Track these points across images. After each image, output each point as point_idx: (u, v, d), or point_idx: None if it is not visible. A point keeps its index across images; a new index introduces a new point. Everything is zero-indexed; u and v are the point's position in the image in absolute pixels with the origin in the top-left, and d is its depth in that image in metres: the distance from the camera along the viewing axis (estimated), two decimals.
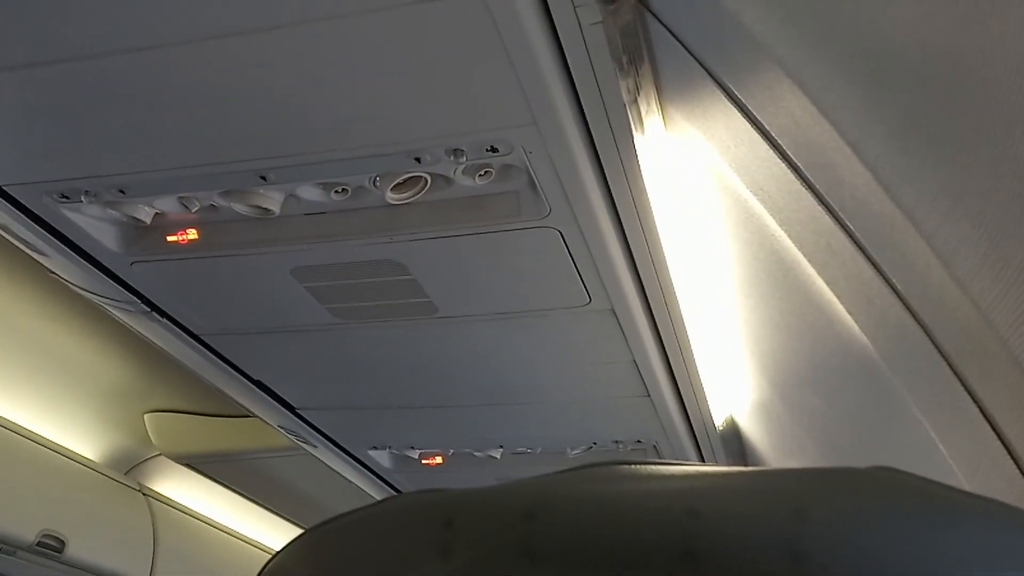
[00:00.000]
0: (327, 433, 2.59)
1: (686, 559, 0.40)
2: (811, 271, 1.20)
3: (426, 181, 1.44)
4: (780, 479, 0.44)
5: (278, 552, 0.56)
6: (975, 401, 0.96)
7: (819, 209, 1.05)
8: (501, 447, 2.61)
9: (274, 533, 4.04)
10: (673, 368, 2.06)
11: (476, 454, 2.65)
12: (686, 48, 1.16)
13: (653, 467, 0.48)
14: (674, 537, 0.41)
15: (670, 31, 1.17)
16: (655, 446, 2.50)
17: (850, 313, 1.15)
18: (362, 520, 0.54)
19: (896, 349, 1.09)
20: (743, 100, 1.10)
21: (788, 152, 1.07)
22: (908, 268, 0.96)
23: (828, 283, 1.17)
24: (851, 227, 1.02)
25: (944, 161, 0.81)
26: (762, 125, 1.09)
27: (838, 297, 1.16)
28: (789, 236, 1.20)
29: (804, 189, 1.06)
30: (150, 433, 3.24)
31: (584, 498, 0.46)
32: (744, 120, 1.12)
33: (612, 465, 0.49)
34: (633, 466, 0.49)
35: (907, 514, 0.40)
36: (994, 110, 0.72)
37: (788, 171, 1.07)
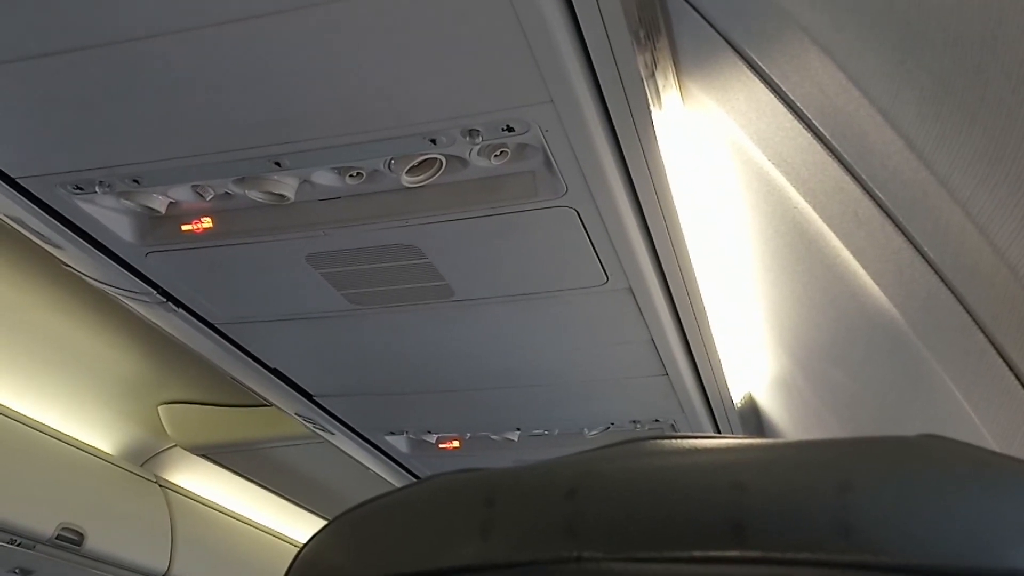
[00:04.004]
0: (344, 420, 2.59)
1: (733, 533, 0.39)
2: (836, 243, 1.18)
3: (441, 163, 1.43)
4: (826, 450, 0.43)
5: (309, 540, 0.55)
6: (1012, 370, 0.94)
7: (846, 179, 1.04)
8: (518, 429, 2.60)
9: (291, 522, 4.05)
10: (691, 346, 2.06)
11: (493, 437, 2.65)
12: (705, 18, 1.15)
13: (695, 440, 0.48)
14: (720, 511, 0.40)
15: (688, 2, 1.15)
16: (673, 424, 2.50)
17: (878, 284, 1.14)
18: (398, 502, 0.53)
19: (927, 319, 1.07)
20: (766, 70, 1.09)
21: (814, 122, 1.05)
22: (941, 236, 0.94)
23: (855, 254, 1.15)
24: (880, 196, 1.01)
25: (980, 125, 0.79)
26: (786, 95, 1.07)
27: (865, 268, 1.15)
28: (813, 207, 1.18)
29: (830, 159, 1.05)
30: (164, 425, 3.25)
31: (626, 474, 0.45)
32: (766, 90, 1.10)
33: (653, 439, 0.48)
34: (674, 440, 0.48)
35: (957, 482, 0.39)
36: None
37: (814, 141, 1.05)
